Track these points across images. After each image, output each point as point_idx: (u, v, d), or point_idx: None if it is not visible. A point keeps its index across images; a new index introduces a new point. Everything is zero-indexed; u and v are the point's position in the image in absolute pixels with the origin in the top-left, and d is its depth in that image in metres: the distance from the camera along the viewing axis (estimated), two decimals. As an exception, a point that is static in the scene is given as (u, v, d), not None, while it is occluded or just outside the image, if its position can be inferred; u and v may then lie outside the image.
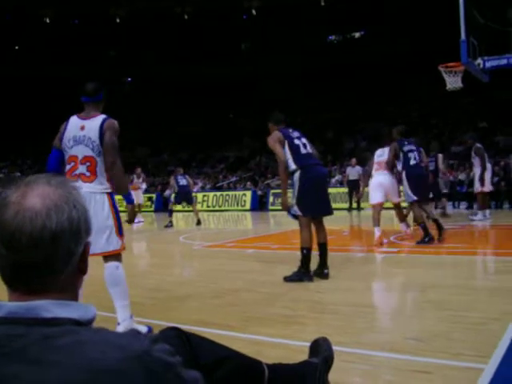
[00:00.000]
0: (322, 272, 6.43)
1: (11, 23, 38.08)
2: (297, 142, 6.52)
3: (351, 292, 5.63)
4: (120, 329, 4.07)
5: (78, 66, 37.79)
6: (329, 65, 36.04)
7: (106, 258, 4.25)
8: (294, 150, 6.45)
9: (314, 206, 6.45)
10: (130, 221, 4.63)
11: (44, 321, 1.14)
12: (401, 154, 9.88)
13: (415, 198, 9.78)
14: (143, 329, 4.30)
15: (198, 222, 16.40)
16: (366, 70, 34.58)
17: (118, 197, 4.45)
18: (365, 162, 22.10)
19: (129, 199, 4.54)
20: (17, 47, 41.78)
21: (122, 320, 4.18)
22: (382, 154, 10.59)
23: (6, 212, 1.16)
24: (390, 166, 10.12)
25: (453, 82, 13.10)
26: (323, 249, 6.51)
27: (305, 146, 6.56)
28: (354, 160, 22.18)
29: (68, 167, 4.33)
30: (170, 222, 16.61)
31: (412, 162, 9.86)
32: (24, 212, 1.15)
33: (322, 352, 2.76)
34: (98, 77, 39.72)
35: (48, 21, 39.45)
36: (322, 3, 36.21)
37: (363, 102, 33.62)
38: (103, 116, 4.36)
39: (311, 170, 6.44)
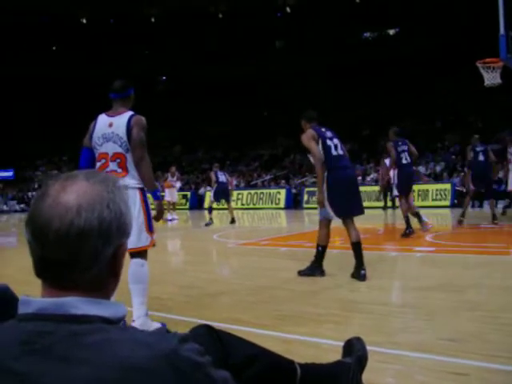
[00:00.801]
0: (359, 273, 6.28)
1: (48, 24, 38.65)
2: (329, 142, 6.53)
3: (385, 291, 5.58)
4: (134, 325, 4.01)
5: (113, 66, 38.19)
6: (364, 62, 35.76)
7: (132, 254, 4.24)
8: (326, 150, 6.47)
9: (344, 207, 6.47)
10: (158, 218, 4.59)
11: (73, 318, 1.14)
12: (395, 153, 10.91)
13: (399, 193, 11.17)
14: (157, 326, 4.31)
15: (232, 221, 16.32)
16: (401, 67, 34.22)
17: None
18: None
19: (156, 196, 4.50)
20: (54, 48, 42.44)
21: (138, 317, 4.18)
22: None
23: (41, 204, 1.17)
24: (394, 164, 11.21)
25: (491, 78, 12.86)
26: (357, 248, 6.46)
27: (336, 147, 6.56)
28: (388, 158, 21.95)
29: (98, 164, 4.37)
30: (211, 219, 16.60)
31: (404, 162, 10.91)
32: (56, 207, 1.15)
33: (355, 352, 2.73)
34: (132, 76, 40.27)
35: (84, 21, 39.98)
36: (357, 0, 35.97)
37: (398, 99, 33.26)
38: (130, 112, 4.38)
39: (340, 172, 6.48)
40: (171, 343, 1.13)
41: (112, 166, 4.29)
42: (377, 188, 22.67)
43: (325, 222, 6.59)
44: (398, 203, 11.81)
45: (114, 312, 1.20)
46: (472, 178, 12.45)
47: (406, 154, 10.95)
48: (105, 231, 1.17)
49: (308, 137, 6.53)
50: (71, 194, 1.17)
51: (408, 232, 10.73)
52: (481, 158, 12.23)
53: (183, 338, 1.16)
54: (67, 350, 1.10)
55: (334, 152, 6.50)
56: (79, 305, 1.16)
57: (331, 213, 6.42)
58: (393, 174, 11.68)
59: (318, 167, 6.43)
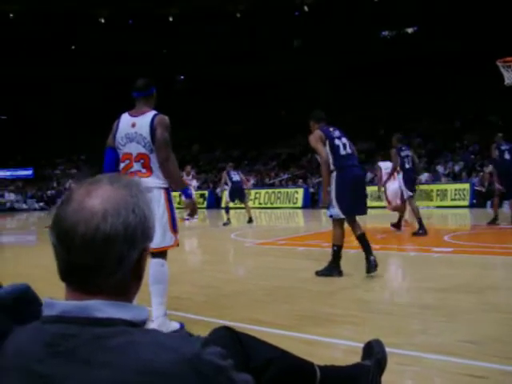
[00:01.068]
0: (369, 261, 6.41)
1: (67, 23, 38.94)
2: (337, 142, 6.61)
3: (403, 292, 5.56)
4: (153, 325, 4.03)
5: (131, 65, 38.38)
6: (382, 60, 35.59)
7: (154, 254, 4.21)
8: (334, 150, 6.55)
9: (351, 206, 6.56)
10: (192, 214, 4.63)
11: (97, 321, 1.15)
12: (398, 159, 11.34)
13: (411, 193, 11.48)
14: (176, 325, 4.32)
15: (250, 220, 16.28)
16: (419, 66, 34.03)
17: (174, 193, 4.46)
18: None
19: (187, 193, 4.50)
20: (73, 47, 42.74)
21: (156, 317, 4.18)
22: (387, 167, 12.60)
23: (67, 208, 1.17)
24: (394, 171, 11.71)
25: (511, 77, 12.76)
26: (363, 239, 6.59)
27: (344, 146, 6.64)
28: None
29: (122, 165, 4.36)
30: (228, 219, 16.63)
31: (407, 166, 11.42)
32: (82, 211, 1.16)
33: (375, 354, 2.72)
34: (151, 75, 40.42)
35: (103, 20, 40.22)
36: (376, -1, 35.87)
37: (417, 98, 33.07)
38: (153, 112, 4.35)
39: (348, 171, 6.56)
40: (194, 347, 1.13)
41: (136, 166, 4.28)
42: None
43: (338, 222, 6.63)
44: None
45: (136, 315, 1.21)
46: (498, 177, 12.35)
47: (409, 158, 11.48)
48: (130, 236, 1.17)
49: (315, 138, 6.63)
50: (96, 198, 1.17)
51: (421, 232, 11.07)
52: (506, 156, 12.16)
53: (206, 341, 1.16)
54: (91, 352, 1.11)
55: (342, 151, 6.59)
56: (103, 308, 1.16)
57: (338, 211, 6.50)
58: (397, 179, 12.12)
59: (324, 168, 6.55)
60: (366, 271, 6.43)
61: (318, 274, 6.58)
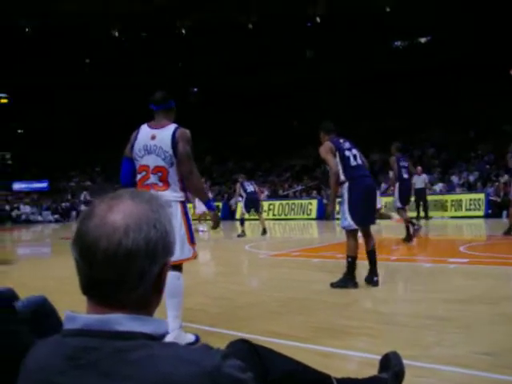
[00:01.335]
0: (372, 279, 6.60)
1: (82, 37, 39.30)
2: (347, 153, 6.66)
3: (419, 303, 5.53)
4: (169, 338, 4.05)
5: (145, 77, 38.61)
6: (394, 71, 35.56)
7: (171, 266, 4.22)
8: (345, 161, 6.60)
9: (364, 217, 6.62)
10: (215, 227, 4.69)
11: (118, 334, 1.16)
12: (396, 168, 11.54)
13: (401, 206, 11.80)
14: (191, 337, 4.32)
15: (264, 232, 16.20)
16: (433, 76, 33.97)
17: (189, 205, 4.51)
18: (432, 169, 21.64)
19: (210, 206, 4.55)
20: (87, 60, 43.13)
21: (172, 330, 4.17)
22: None
23: (89, 223, 1.19)
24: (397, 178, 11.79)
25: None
26: (372, 256, 6.68)
27: (355, 157, 6.69)
28: (419, 168, 21.74)
29: (139, 176, 4.37)
30: (243, 231, 16.57)
31: (405, 176, 11.65)
32: (104, 226, 1.17)
33: (392, 367, 2.71)
34: (165, 87, 40.65)
35: (117, 34, 40.55)
36: (388, 9, 35.82)
37: (430, 108, 33.00)
38: (174, 125, 4.35)
39: (359, 181, 6.60)
40: (214, 360, 1.14)
41: (153, 178, 4.28)
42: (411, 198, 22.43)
43: (351, 233, 6.64)
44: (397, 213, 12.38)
45: (157, 328, 1.22)
46: None
47: (407, 169, 11.75)
48: (151, 251, 1.18)
49: (326, 150, 6.68)
50: (118, 213, 1.19)
51: (409, 239, 11.74)
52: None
53: (226, 354, 1.17)
54: (112, 366, 1.12)
55: (353, 162, 6.64)
56: (124, 322, 1.18)
57: (351, 222, 6.52)
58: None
59: (333, 180, 6.60)
60: (365, 279, 6.65)
61: (333, 285, 6.56)
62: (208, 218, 17.84)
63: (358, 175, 6.63)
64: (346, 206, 6.54)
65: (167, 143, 4.24)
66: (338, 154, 6.60)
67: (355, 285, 6.52)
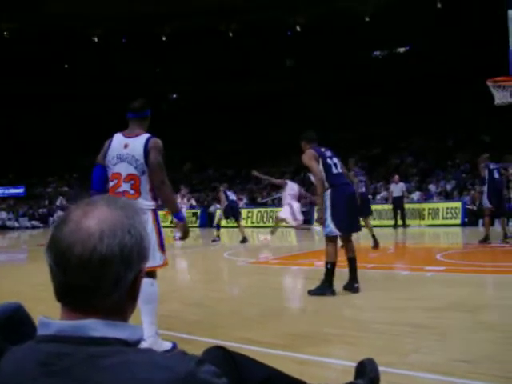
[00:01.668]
0: (353, 286, 6.66)
1: (61, 42, 39.10)
2: (329, 161, 6.75)
3: (397, 311, 5.55)
4: (145, 345, 3.99)
5: (124, 83, 38.50)
6: (374, 80, 35.86)
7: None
8: (327, 168, 6.67)
9: (346, 223, 6.68)
10: (184, 237, 4.67)
11: (92, 340, 1.15)
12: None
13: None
14: (168, 345, 4.30)
15: (244, 240, 16.09)
16: (411, 86, 34.29)
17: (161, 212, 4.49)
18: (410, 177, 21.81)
19: (179, 217, 4.55)
20: (66, 66, 42.91)
21: (148, 336, 4.14)
22: (293, 188, 14.59)
23: (63, 229, 1.18)
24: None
25: (501, 97, 12.84)
26: (353, 263, 6.74)
27: (336, 165, 6.78)
28: (396, 177, 21.98)
29: (111, 184, 4.39)
30: (218, 236, 16.54)
31: (363, 190, 12.38)
32: (78, 232, 1.16)
33: (367, 373, 2.71)
34: (143, 93, 40.41)
35: (96, 39, 40.40)
36: (367, 19, 36.13)
37: (409, 117, 33.28)
38: (147, 135, 4.38)
39: (341, 188, 6.67)
40: (189, 366, 1.13)
41: (125, 186, 4.30)
42: (387, 206, 22.62)
43: (331, 239, 6.67)
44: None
45: (131, 334, 1.21)
46: (489, 196, 12.45)
47: (364, 183, 12.61)
48: (126, 257, 1.18)
49: (309, 156, 6.73)
50: (93, 219, 1.18)
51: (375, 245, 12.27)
52: (496, 175, 12.35)
53: (200, 360, 1.16)
54: (86, 372, 1.10)
55: (334, 170, 6.73)
56: (98, 327, 1.16)
57: (334, 229, 6.56)
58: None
59: (319, 186, 6.63)
60: (343, 287, 6.70)
61: (311, 293, 6.54)
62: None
63: (340, 183, 6.70)
64: (328, 213, 6.57)
65: (139, 152, 4.27)
66: (320, 162, 6.66)
67: (333, 292, 6.52)
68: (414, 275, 8.48)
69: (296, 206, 14.56)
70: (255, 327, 5.04)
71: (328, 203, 6.58)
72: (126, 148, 4.32)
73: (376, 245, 12.22)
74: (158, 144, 4.35)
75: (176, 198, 18.21)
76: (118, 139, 4.43)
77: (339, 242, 6.88)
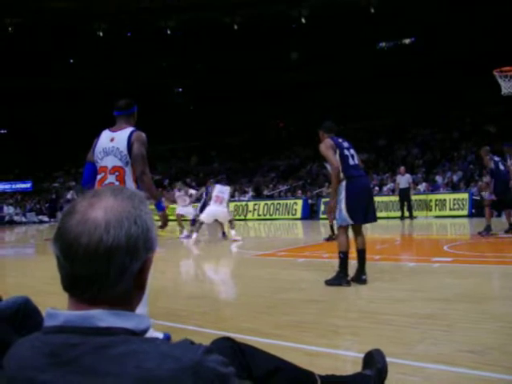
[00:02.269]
0: (360, 278, 6.68)
1: (66, 37, 39.09)
2: (346, 152, 6.73)
3: (404, 302, 5.56)
4: None
5: (129, 77, 38.52)
6: (379, 71, 35.74)
7: None
8: (344, 159, 6.65)
9: (361, 214, 6.67)
10: (163, 227, 4.80)
11: (99, 330, 1.16)
12: None
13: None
14: (159, 335, 4.32)
15: (224, 234, 15.55)
16: (418, 77, 34.17)
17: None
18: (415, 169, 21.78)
19: (159, 206, 4.72)
20: (71, 60, 42.92)
21: None
22: (222, 191, 14.65)
23: (70, 220, 1.19)
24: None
25: (508, 86, 12.80)
26: (361, 255, 6.75)
27: (353, 157, 6.77)
28: (402, 168, 21.90)
29: (98, 177, 4.51)
30: (192, 231, 15.64)
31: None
32: (85, 223, 1.17)
33: (375, 364, 2.73)
34: (149, 87, 40.41)
35: (101, 34, 40.40)
36: (372, 10, 35.98)
37: (415, 108, 33.19)
38: (131, 128, 4.53)
39: (357, 180, 6.68)
40: (196, 355, 1.15)
41: (110, 178, 4.43)
42: (394, 198, 22.59)
43: (343, 229, 6.70)
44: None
45: (138, 324, 1.22)
46: (495, 188, 12.34)
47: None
48: (132, 247, 1.19)
49: (326, 146, 6.71)
50: (99, 210, 1.19)
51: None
52: (501, 167, 12.24)
53: (208, 349, 1.18)
54: (93, 362, 1.12)
55: (351, 162, 6.71)
56: (105, 317, 1.18)
57: (348, 219, 6.58)
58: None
59: (334, 175, 6.60)
60: (351, 278, 6.69)
61: (327, 283, 6.58)
62: (185, 218, 17.21)
63: (357, 175, 6.72)
64: (343, 204, 6.58)
65: (123, 144, 4.42)
66: (338, 152, 6.66)
67: (348, 283, 6.54)
68: (420, 266, 8.49)
69: (214, 208, 14.47)
70: (262, 319, 5.06)
71: (343, 194, 6.58)
72: (112, 141, 4.47)
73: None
74: (142, 137, 4.48)
75: (173, 194, 17.69)
76: (106, 134, 4.59)
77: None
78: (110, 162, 4.44)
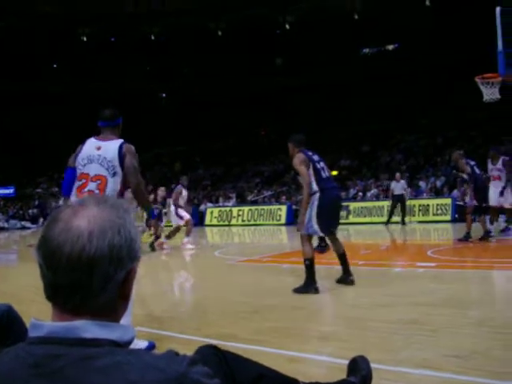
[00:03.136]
0: (347, 279, 6.89)
1: (50, 41, 38.93)
2: (318, 165, 6.88)
3: (388, 307, 5.56)
4: None
5: (114, 82, 38.41)
6: (363, 77, 35.92)
7: None
8: (317, 172, 6.81)
9: (331, 224, 6.96)
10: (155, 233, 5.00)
11: (83, 341, 1.15)
12: None
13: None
14: (143, 344, 4.28)
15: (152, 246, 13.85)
16: (400, 83, 34.37)
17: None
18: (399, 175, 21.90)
19: (153, 214, 4.84)
20: (55, 65, 42.76)
21: None
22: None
23: (53, 228, 1.18)
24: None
25: (490, 93, 12.86)
26: (343, 258, 6.98)
27: (323, 169, 6.93)
28: (398, 175, 21.87)
29: (78, 183, 4.50)
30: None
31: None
32: (68, 232, 1.16)
33: (360, 371, 2.72)
34: (133, 92, 40.27)
35: (85, 39, 40.26)
36: (356, 16, 36.18)
37: (398, 114, 33.37)
38: (121, 140, 4.53)
39: (330, 193, 6.87)
40: (180, 367, 1.13)
41: (91, 185, 4.41)
42: (378, 203, 22.69)
43: (307, 238, 6.83)
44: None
45: (122, 335, 1.21)
46: (475, 193, 12.28)
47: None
48: (116, 257, 1.18)
49: (300, 161, 6.81)
50: (83, 219, 1.18)
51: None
52: (477, 171, 12.20)
53: (192, 360, 1.17)
54: (77, 373, 1.10)
55: (323, 174, 6.88)
56: (89, 328, 1.16)
57: (318, 230, 6.77)
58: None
59: (306, 190, 6.74)
60: (337, 280, 6.96)
61: (296, 291, 6.59)
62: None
63: (330, 187, 6.90)
64: (313, 214, 6.70)
65: (112, 155, 4.40)
66: (311, 166, 6.78)
67: (316, 290, 6.54)
68: (405, 271, 8.52)
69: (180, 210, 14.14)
70: (245, 325, 5.03)
71: (315, 204, 6.70)
72: (99, 150, 4.46)
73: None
74: (132, 149, 4.50)
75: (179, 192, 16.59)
76: (91, 142, 4.57)
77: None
78: (93, 169, 4.42)
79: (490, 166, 12.86)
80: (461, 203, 21.43)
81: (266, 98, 39.53)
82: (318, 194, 6.73)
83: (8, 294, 7.20)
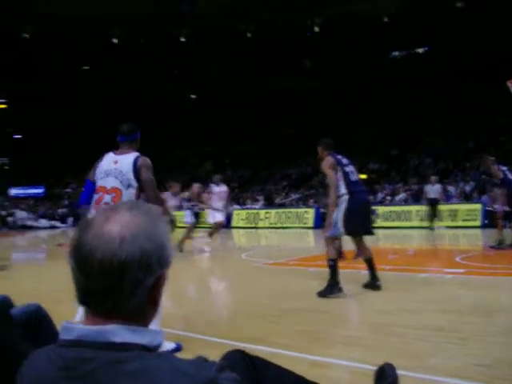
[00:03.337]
0: (374, 284, 6.89)
1: (80, 44, 39.38)
2: (347, 169, 6.99)
3: (416, 314, 5.52)
4: None
5: (145, 84, 38.70)
6: (392, 80, 35.68)
7: None
8: (346, 176, 6.91)
9: (359, 226, 7.03)
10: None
11: (113, 345, 1.16)
12: None
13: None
14: (170, 345, 4.32)
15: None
16: (429, 86, 34.07)
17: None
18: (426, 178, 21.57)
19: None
20: (86, 67, 43.25)
21: None
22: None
23: (86, 234, 1.20)
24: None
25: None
26: (370, 263, 6.98)
27: (353, 173, 7.05)
28: (433, 178, 21.21)
29: (96, 197, 4.61)
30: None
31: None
32: (100, 237, 1.18)
33: (386, 378, 2.71)
34: (162, 94, 40.47)
35: (116, 41, 40.63)
36: (385, 19, 35.94)
37: (428, 118, 33.08)
38: (136, 153, 4.64)
39: (359, 196, 6.96)
40: (209, 373, 1.14)
41: (106, 198, 4.52)
42: (406, 208, 22.46)
43: (331, 240, 6.93)
44: None
45: (151, 339, 1.22)
46: (508, 198, 12.04)
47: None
48: (146, 262, 1.19)
49: (328, 165, 6.88)
50: (115, 224, 1.20)
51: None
52: (509, 176, 11.96)
53: (220, 367, 1.17)
54: (107, 377, 1.12)
55: (352, 178, 6.99)
56: (119, 332, 1.18)
57: (341, 231, 6.89)
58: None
59: (333, 193, 6.78)
60: (364, 285, 6.97)
61: (320, 295, 6.57)
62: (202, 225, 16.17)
63: (359, 190, 7.00)
64: (340, 216, 6.76)
65: (128, 168, 4.51)
66: (340, 169, 6.86)
67: (340, 290, 6.57)
68: (432, 277, 8.43)
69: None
70: (273, 329, 5.04)
71: (343, 206, 6.76)
72: (116, 164, 4.58)
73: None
74: (147, 161, 4.58)
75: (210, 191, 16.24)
76: (109, 157, 4.70)
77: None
78: (109, 182, 4.54)
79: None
80: (490, 208, 21.15)
81: (295, 100, 39.46)
82: (346, 197, 6.79)
83: (37, 294, 7.29)
